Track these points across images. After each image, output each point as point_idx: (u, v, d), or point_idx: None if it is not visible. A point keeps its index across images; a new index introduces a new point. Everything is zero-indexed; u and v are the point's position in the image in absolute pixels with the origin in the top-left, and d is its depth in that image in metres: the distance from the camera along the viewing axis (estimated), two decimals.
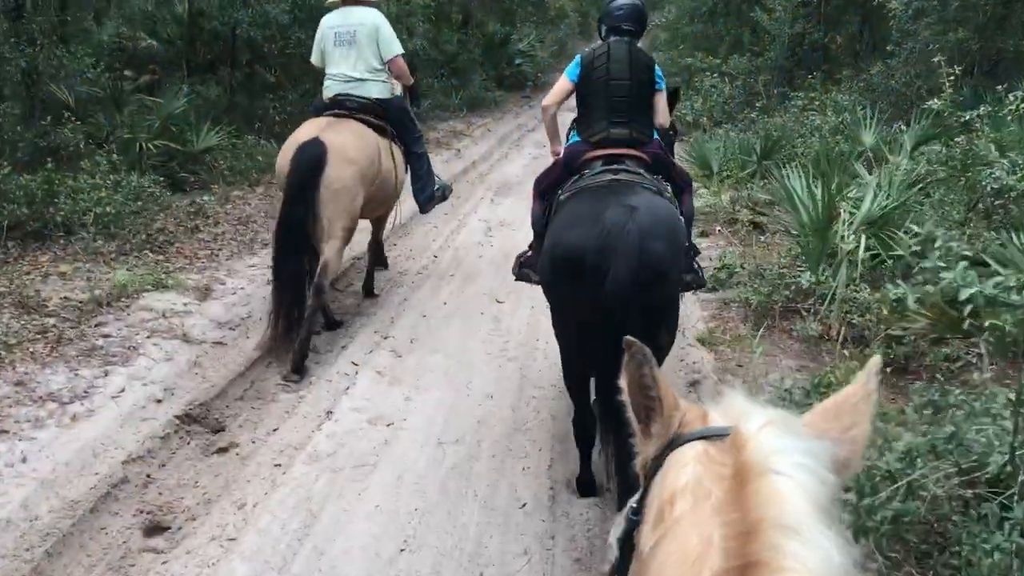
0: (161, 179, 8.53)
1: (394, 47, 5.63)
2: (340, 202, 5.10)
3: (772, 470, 0.97)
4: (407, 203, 6.74)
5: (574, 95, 4.34)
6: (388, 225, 6.70)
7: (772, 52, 13.79)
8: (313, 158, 4.99)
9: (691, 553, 0.95)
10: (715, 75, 14.42)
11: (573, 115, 4.43)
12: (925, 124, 9.21)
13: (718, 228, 8.14)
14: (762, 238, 7.86)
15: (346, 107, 5.51)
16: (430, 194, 6.31)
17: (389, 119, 5.75)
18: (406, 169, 6.10)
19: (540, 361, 5.48)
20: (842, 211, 6.27)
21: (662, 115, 4.39)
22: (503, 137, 13.75)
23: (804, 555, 0.88)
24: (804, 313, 5.96)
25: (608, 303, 3.28)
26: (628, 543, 1.21)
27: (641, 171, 3.89)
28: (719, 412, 1.18)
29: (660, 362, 3.59)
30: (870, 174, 8.34)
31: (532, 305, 6.39)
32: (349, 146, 5.19)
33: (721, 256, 7.23)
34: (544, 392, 5.06)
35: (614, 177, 3.78)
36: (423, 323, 6.00)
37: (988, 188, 6.30)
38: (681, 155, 9.18)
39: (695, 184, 8.27)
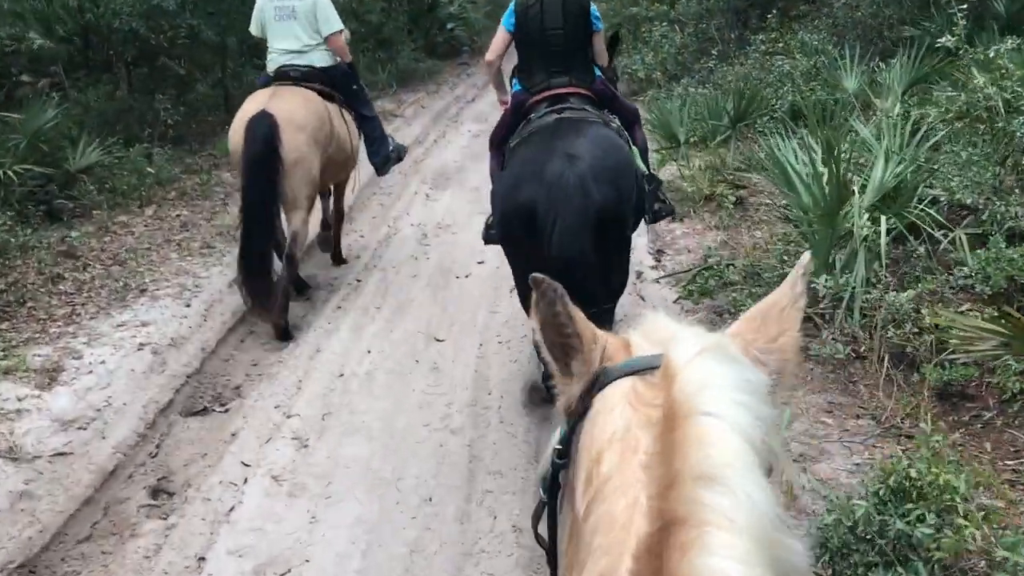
0: (38, 209, 7.07)
1: (333, 24, 5.55)
2: (299, 170, 5.07)
3: (700, 411, 0.85)
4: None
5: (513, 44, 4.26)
6: (348, 192, 6.52)
7: None
8: (265, 131, 4.91)
9: (619, 519, 0.87)
10: (664, 23, 12.95)
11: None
12: (910, 60, 7.87)
13: (692, 210, 6.78)
14: (748, 218, 6.53)
15: (290, 77, 5.44)
16: (385, 155, 6.25)
17: (335, 85, 5.67)
18: (359, 135, 6.05)
19: (495, 429, 4.13)
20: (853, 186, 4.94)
21: (601, 56, 4.33)
22: (439, 114, 12.21)
23: (724, 506, 0.78)
24: (820, 323, 4.66)
25: (555, 256, 3.29)
26: (554, 485, 1.12)
27: (586, 107, 3.88)
28: (644, 338, 1.08)
29: (614, 303, 3.89)
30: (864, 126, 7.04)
31: (480, 342, 5.01)
32: (297, 112, 5.13)
33: (704, 250, 5.89)
34: (502, 481, 3.72)
35: (559, 116, 3.74)
36: (339, 387, 4.60)
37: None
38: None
39: (656, 151, 6.96)
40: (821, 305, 4.75)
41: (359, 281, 6.05)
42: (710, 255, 5.48)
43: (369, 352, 4.96)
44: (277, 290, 5.09)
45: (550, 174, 3.38)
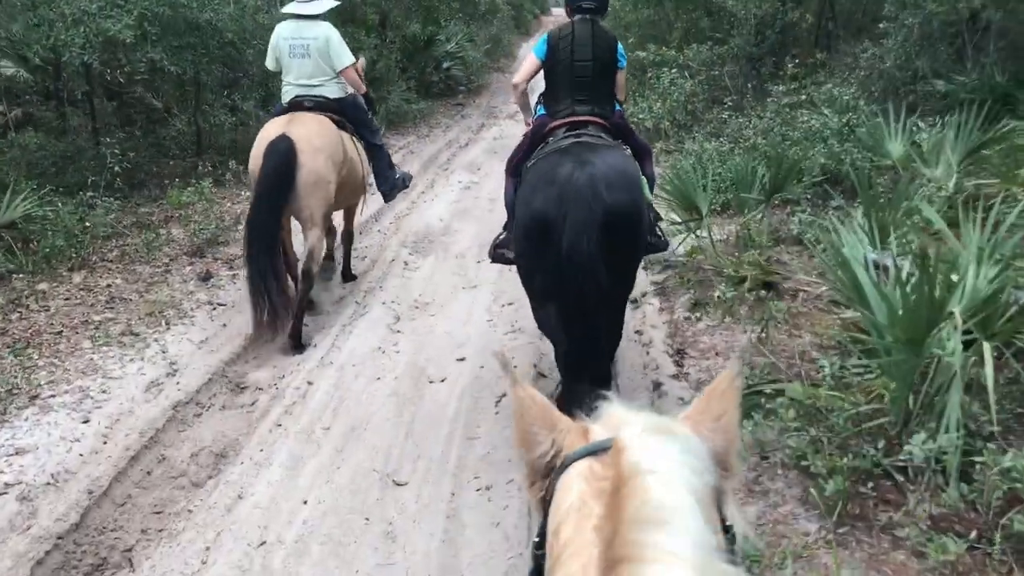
0: None
1: (344, 58, 5.70)
2: (317, 190, 5.21)
3: (643, 470, 0.92)
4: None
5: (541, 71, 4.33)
6: (357, 216, 6.55)
7: (738, 38, 11.23)
8: (285, 153, 5.06)
9: None
10: (672, 69, 11.83)
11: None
12: (966, 123, 6.70)
13: (718, 296, 5.56)
14: (785, 308, 5.31)
15: (304, 107, 5.57)
16: (392, 183, 6.41)
17: (346, 115, 5.81)
18: (369, 161, 6.18)
19: None
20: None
21: (621, 91, 4.44)
22: (429, 160, 11.01)
23: (665, 543, 0.83)
24: (903, 489, 3.42)
25: (568, 253, 3.35)
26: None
27: (602, 135, 3.98)
28: (601, 425, 1.12)
29: (620, 325, 3.99)
30: (901, 196, 5.86)
31: (452, 490, 3.76)
32: (314, 135, 5.26)
33: (738, 358, 4.66)
34: None
35: (576, 140, 3.84)
36: (257, 563, 3.32)
37: None
38: (656, 192, 6.59)
39: (673, 225, 5.84)
40: (898, 456, 3.53)
41: (310, 384, 4.80)
42: (750, 376, 4.23)
43: (305, 503, 3.69)
44: (291, 306, 5.20)
45: (562, 177, 3.50)
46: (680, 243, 6.33)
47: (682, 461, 0.94)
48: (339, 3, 5.99)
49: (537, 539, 1.11)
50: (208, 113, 10.19)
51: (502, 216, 4.76)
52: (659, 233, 4.43)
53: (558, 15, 48.66)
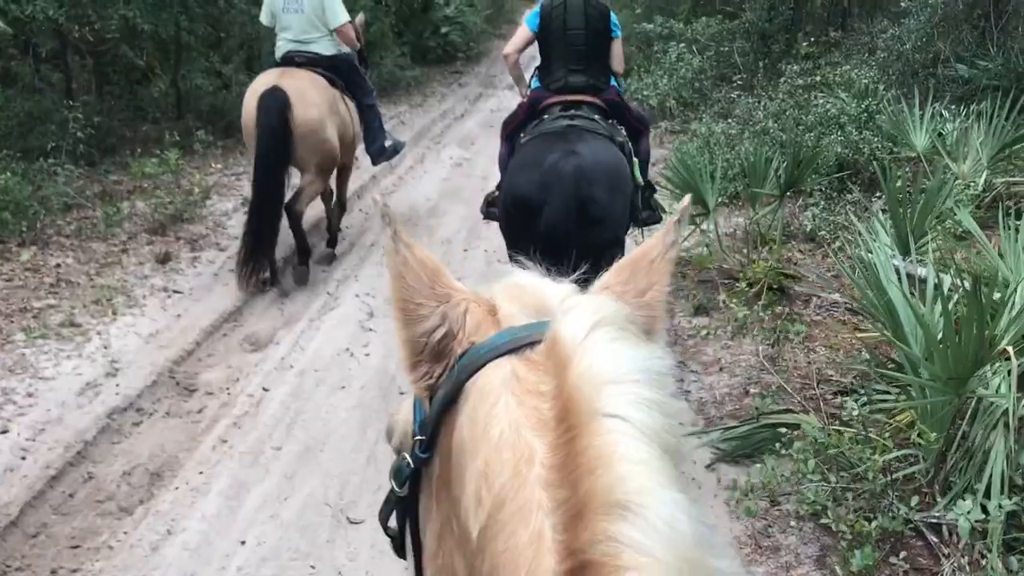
0: None
1: (339, 16, 5.64)
2: (311, 139, 5.16)
3: (604, 411, 0.70)
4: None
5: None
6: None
7: (750, 12, 10.53)
8: (279, 102, 5.01)
9: (522, 556, 0.69)
10: (680, 43, 11.16)
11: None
12: (999, 117, 6.12)
13: (723, 302, 5.01)
14: (797, 317, 4.76)
15: (296, 62, 5.53)
16: (380, 146, 6.24)
17: (338, 73, 5.72)
18: (360, 122, 6.07)
19: None
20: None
21: (618, 61, 4.42)
22: (420, 133, 10.35)
23: (643, 542, 0.63)
24: (936, 551, 2.91)
25: (546, 235, 3.42)
26: (415, 483, 0.95)
27: (596, 117, 3.96)
28: (512, 302, 0.91)
29: None
30: (919, 189, 5.31)
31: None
32: (306, 89, 5.24)
33: (742, 371, 4.14)
34: None
35: (569, 123, 3.84)
36: None
37: None
38: (659, 179, 6.03)
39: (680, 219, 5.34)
40: (934, 512, 3.02)
41: (265, 391, 4.26)
42: (759, 405, 3.69)
43: (243, 544, 3.17)
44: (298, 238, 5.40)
45: (548, 163, 3.55)
46: (683, 238, 5.78)
47: (651, 400, 0.71)
48: None
49: (421, 438, 0.92)
50: (189, 76, 9.56)
51: None
52: (653, 206, 4.39)
53: None
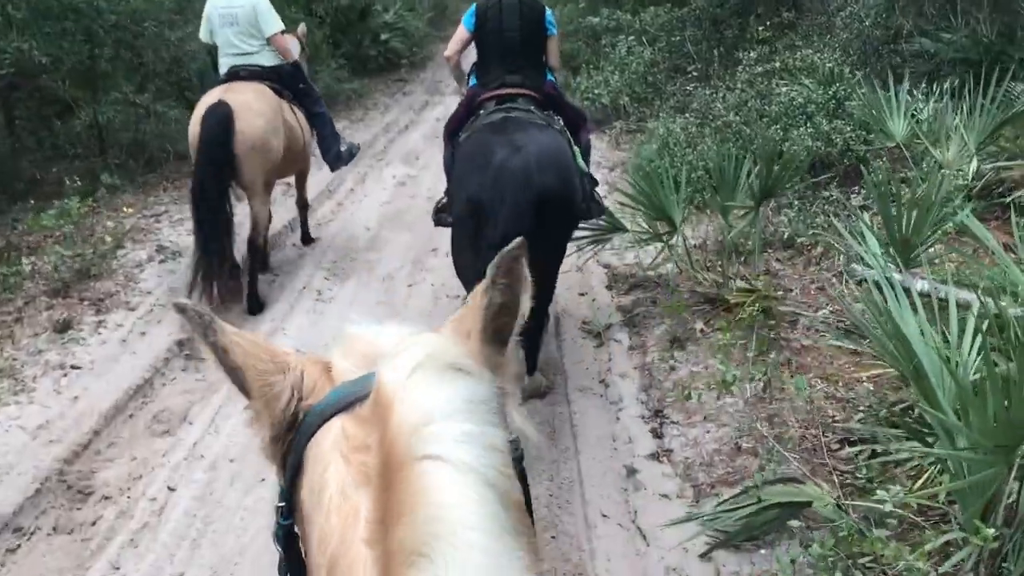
0: None
1: (272, 25, 5.59)
2: (256, 155, 5.09)
3: (420, 454, 0.67)
4: None
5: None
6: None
7: None
8: (222, 118, 4.96)
9: None
10: (629, 36, 10.54)
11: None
12: (969, 90, 5.57)
13: (699, 329, 4.38)
14: (783, 343, 4.15)
15: (241, 77, 5.47)
16: (336, 152, 6.20)
17: (284, 83, 5.67)
18: (311, 132, 6.01)
19: None
20: None
21: (554, 58, 4.43)
22: (362, 149, 9.64)
23: None
24: None
25: (503, 236, 2.95)
26: (289, 539, 0.91)
27: (531, 108, 3.94)
28: (347, 357, 0.91)
29: (551, 293, 4.13)
30: (900, 180, 4.74)
31: None
32: (252, 102, 5.17)
33: (732, 422, 3.52)
34: None
35: (506, 115, 3.82)
36: None
37: None
38: (616, 197, 5.40)
39: (641, 237, 4.71)
40: None
41: (171, 491, 3.55)
42: (757, 482, 3.04)
43: None
44: (238, 290, 5.15)
45: (496, 162, 3.51)
46: (652, 258, 5.14)
47: (469, 433, 0.68)
48: None
49: (282, 504, 0.91)
50: (106, 107, 8.75)
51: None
52: (596, 198, 4.37)
53: None
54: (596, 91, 9.38)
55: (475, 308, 0.87)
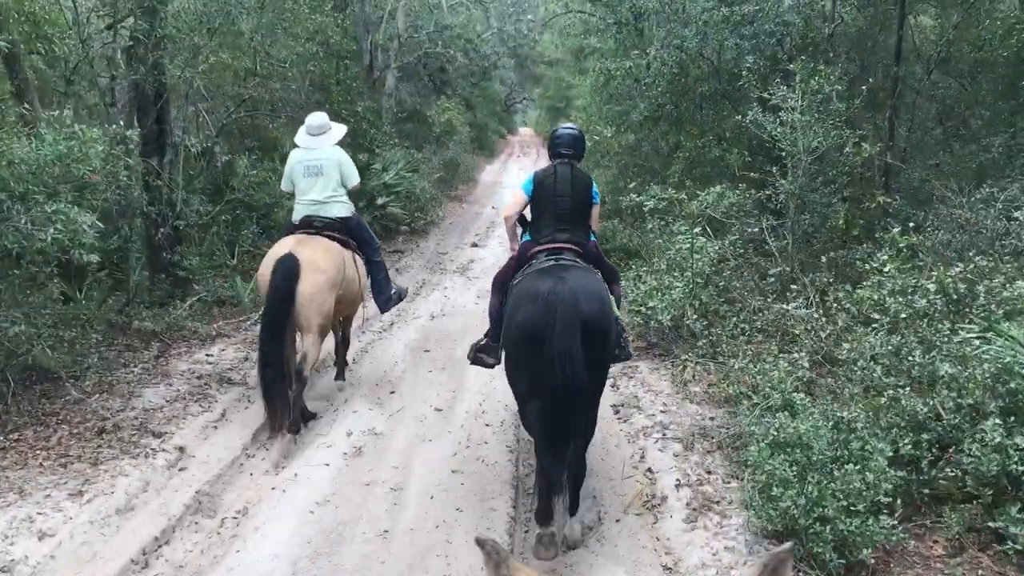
0: None
1: (355, 178, 6.06)
2: (313, 304, 5.42)
3: None
4: None
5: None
6: (354, 324, 6.83)
7: (795, 179, 7.12)
8: (289, 270, 5.33)
9: None
10: (680, 221, 7.77)
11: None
12: None
13: None
14: None
15: (314, 226, 5.79)
16: (387, 296, 6.43)
17: (350, 233, 6.00)
18: (367, 275, 6.32)
19: None
20: None
21: (595, 223, 4.78)
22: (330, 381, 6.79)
23: None
24: None
25: (558, 355, 3.63)
26: None
27: (577, 260, 4.34)
28: None
29: (591, 434, 4.24)
30: None
31: None
32: (318, 258, 5.49)
33: None
34: None
35: (555, 262, 4.23)
36: None
37: None
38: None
39: None
40: None
41: None
42: None
43: None
44: (293, 404, 5.36)
45: (545, 291, 3.85)
46: None
47: None
48: (345, 133, 6.23)
49: None
50: None
51: None
52: (623, 344, 4.62)
53: (525, 134, 45.50)
54: (651, 303, 6.50)
55: None
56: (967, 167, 8.64)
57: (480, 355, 4.75)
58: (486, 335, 4.79)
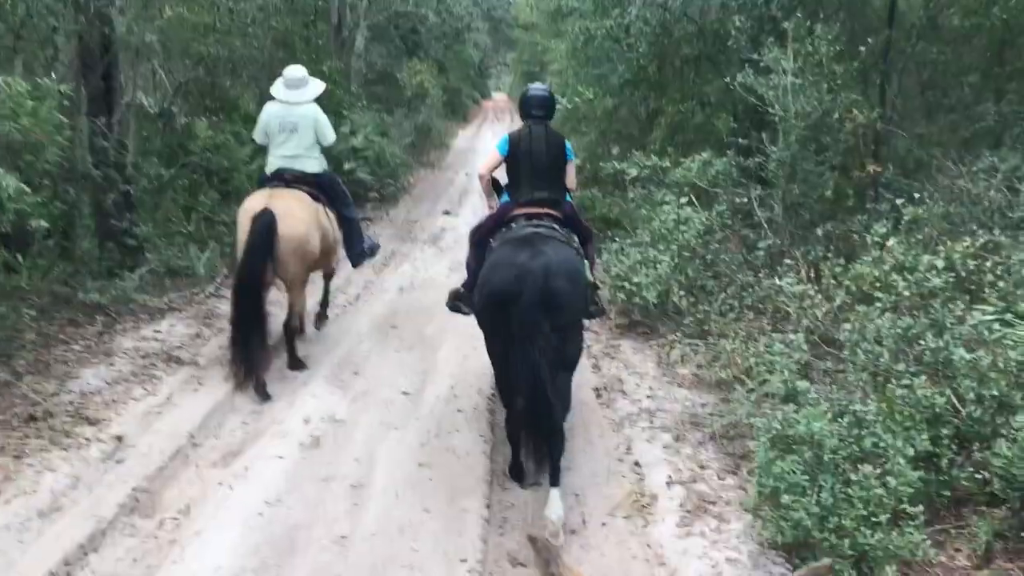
0: None
1: (331, 136, 6.07)
2: (296, 255, 5.47)
3: None
4: None
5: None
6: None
7: (787, 146, 6.65)
8: (266, 224, 5.30)
9: None
10: (662, 189, 7.33)
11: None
12: None
13: None
14: None
15: (284, 179, 5.83)
16: (359, 250, 6.55)
17: (321, 188, 6.01)
18: (340, 229, 6.38)
19: None
20: None
21: (571, 181, 4.91)
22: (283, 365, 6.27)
23: None
24: None
25: (521, 321, 3.81)
26: None
27: (555, 226, 4.43)
28: None
29: (572, 371, 4.30)
30: None
31: None
32: (294, 208, 5.54)
33: None
34: None
35: (534, 231, 4.31)
36: None
37: None
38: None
39: None
40: None
41: None
42: None
43: None
44: (269, 359, 5.44)
45: (520, 262, 3.98)
46: None
47: None
48: (323, 91, 6.16)
49: None
50: None
51: None
52: (596, 301, 4.78)
53: (499, 100, 44.76)
54: (635, 279, 6.05)
55: None
56: (955, 136, 8.24)
57: (457, 303, 4.96)
58: (463, 285, 4.95)
